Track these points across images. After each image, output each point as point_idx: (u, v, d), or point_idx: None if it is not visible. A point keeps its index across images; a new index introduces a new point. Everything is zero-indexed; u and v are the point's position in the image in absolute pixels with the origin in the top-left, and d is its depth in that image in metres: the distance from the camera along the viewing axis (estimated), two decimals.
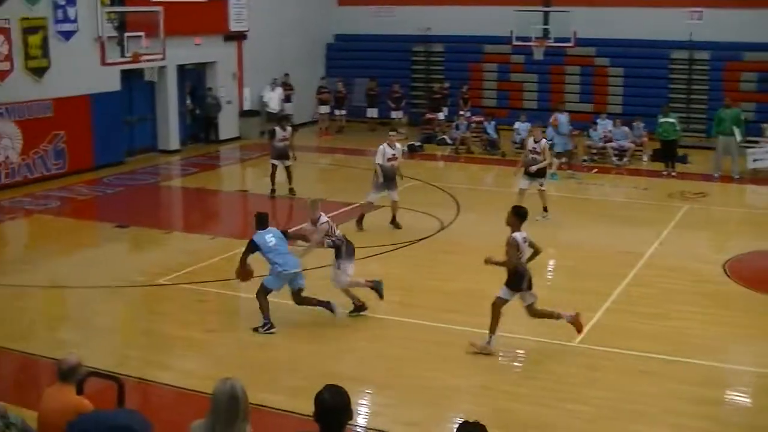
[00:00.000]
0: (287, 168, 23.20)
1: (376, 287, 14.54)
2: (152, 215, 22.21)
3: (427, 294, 15.65)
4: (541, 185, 20.59)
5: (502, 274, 16.53)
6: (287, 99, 33.69)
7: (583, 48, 31.37)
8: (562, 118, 26.39)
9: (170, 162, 28.53)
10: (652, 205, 21.56)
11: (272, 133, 23.47)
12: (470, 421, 5.90)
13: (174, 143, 29.78)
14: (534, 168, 20.31)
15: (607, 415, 11.04)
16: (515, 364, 13.05)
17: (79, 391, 8.15)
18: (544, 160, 20.47)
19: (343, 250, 14.35)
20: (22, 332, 14.27)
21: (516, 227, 12.88)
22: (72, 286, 16.30)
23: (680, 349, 13.14)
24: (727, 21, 31.03)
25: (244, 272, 14.22)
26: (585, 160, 27.16)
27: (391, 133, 21.31)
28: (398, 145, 20.51)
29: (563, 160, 26.31)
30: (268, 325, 13.80)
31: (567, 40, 29.71)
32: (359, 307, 14.48)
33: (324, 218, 14.46)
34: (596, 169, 26.34)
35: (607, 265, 17.28)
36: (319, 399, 5.90)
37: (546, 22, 30.46)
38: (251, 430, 6.27)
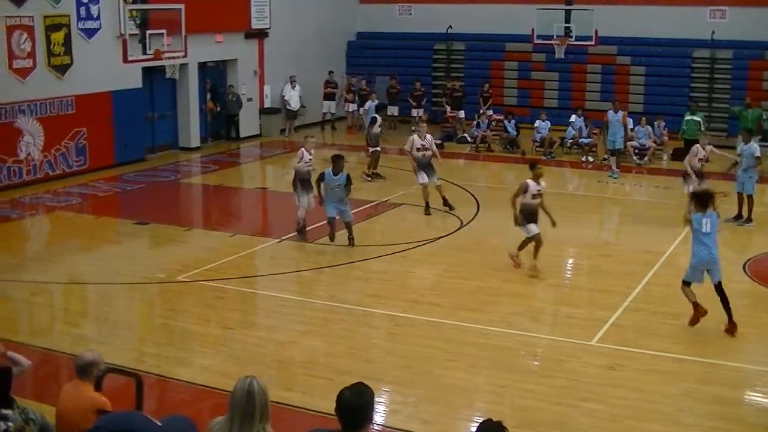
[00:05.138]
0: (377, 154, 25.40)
1: None
2: (172, 212, 22.28)
3: (445, 292, 15.64)
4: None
5: (520, 273, 16.62)
6: (331, 96, 34.11)
7: (604, 47, 31.28)
8: (613, 116, 26.16)
9: (191, 159, 28.61)
10: (672, 204, 21.42)
11: (373, 121, 25.69)
12: (491, 419, 5.91)
13: (195, 140, 29.87)
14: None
15: (624, 414, 11.00)
16: (533, 362, 13.02)
17: (98, 388, 8.19)
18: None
19: None
20: (42, 328, 14.40)
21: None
22: (92, 282, 16.38)
23: (698, 348, 13.11)
24: (750, 20, 30.92)
25: None
26: (605, 159, 27.03)
27: (422, 124, 22.72)
28: (429, 136, 21.69)
29: (605, 157, 26.31)
30: None
31: (589, 38, 29.63)
32: None
33: None
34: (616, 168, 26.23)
35: (627, 264, 17.25)
36: (340, 395, 5.89)
37: (568, 21, 30.38)
38: (272, 430, 6.22)
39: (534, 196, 16.50)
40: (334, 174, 17.91)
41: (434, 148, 21.53)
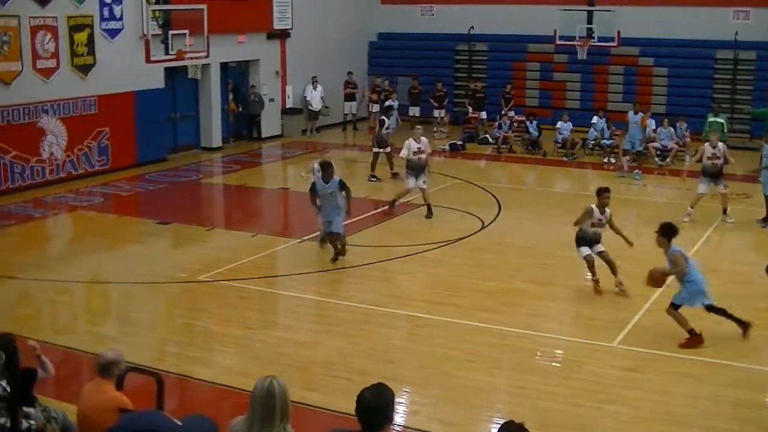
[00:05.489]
0: (388, 155, 25.08)
1: None
2: (194, 212, 22.33)
3: (466, 293, 15.61)
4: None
5: (541, 274, 16.60)
6: (351, 97, 34.24)
7: (626, 47, 31.19)
8: (632, 117, 26.23)
9: (212, 159, 28.71)
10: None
11: (381, 123, 25.38)
12: (513, 421, 5.90)
13: (216, 140, 29.99)
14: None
15: (644, 416, 10.96)
16: (553, 364, 12.99)
17: (119, 387, 8.22)
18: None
19: None
20: (63, 326, 14.46)
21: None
22: (113, 281, 16.46)
23: (719, 351, 13.01)
24: None
25: None
26: (627, 160, 26.93)
27: (417, 127, 22.42)
28: (424, 138, 21.49)
29: (627, 158, 26.32)
30: None
31: (611, 39, 29.56)
32: None
33: None
34: (638, 170, 26.14)
35: (648, 265, 17.10)
36: (359, 396, 5.93)
37: (590, 22, 30.31)
38: (292, 430, 6.24)
39: (593, 225, 15.65)
40: (325, 182, 17.02)
41: (428, 150, 21.53)
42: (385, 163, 25.17)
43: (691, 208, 20.44)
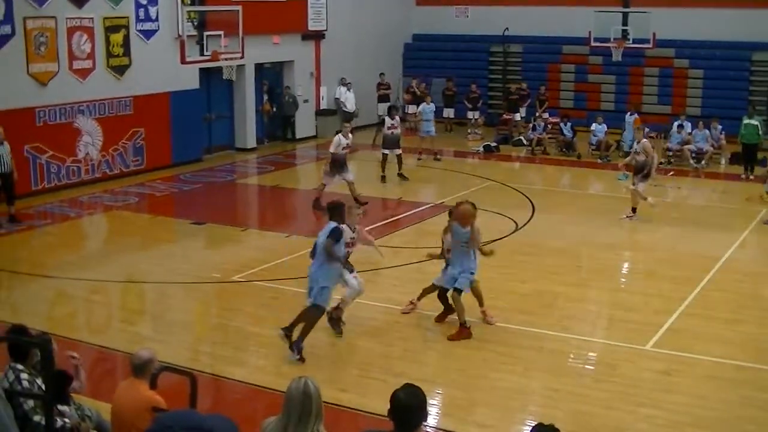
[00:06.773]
0: (398, 156, 25.03)
1: None
2: (228, 212, 22.41)
3: (500, 295, 15.51)
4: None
5: (575, 276, 16.54)
6: (385, 98, 34.08)
7: (662, 49, 30.97)
8: (628, 118, 26.25)
9: (247, 160, 28.80)
10: (730, 208, 21.25)
11: (381, 123, 25.08)
12: (544, 423, 5.88)
13: (251, 141, 30.08)
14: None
15: (680, 420, 10.88)
16: (587, 367, 12.91)
17: (153, 386, 8.25)
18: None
19: None
20: (98, 326, 14.56)
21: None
22: (148, 281, 16.53)
23: (755, 355, 12.91)
24: None
25: None
26: (662, 163, 26.76)
27: (345, 124, 22.95)
28: (351, 135, 22.27)
29: (661, 161, 26.16)
30: None
31: (646, 41, 29.35)
32: None
33: None
34: (672, 172, 25.99)
35: (683, 268, 17.06)
36: (393, 397, 5.94)
37: (625, 23, 30.13)
38: (325, 430, 6.25)
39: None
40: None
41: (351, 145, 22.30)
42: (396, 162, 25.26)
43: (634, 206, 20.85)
